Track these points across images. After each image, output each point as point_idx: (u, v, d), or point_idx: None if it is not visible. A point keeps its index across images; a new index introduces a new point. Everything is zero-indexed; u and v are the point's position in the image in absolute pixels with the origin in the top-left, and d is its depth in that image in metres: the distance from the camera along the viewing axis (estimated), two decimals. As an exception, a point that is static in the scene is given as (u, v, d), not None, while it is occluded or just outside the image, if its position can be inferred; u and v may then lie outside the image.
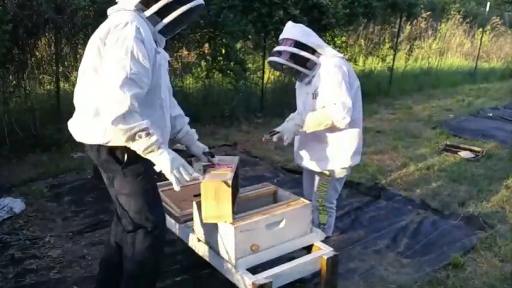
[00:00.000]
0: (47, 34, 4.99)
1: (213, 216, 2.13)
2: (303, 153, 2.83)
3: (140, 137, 1.75)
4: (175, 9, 1.89)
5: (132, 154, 1.86)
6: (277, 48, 2.63)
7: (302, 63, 2.58)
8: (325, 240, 2.47)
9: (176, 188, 1.89)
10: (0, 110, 4.57)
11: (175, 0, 1.88)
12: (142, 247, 2.01)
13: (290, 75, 2.92)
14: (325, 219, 2.84)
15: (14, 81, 4.83)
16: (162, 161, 1.83)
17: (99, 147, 1.90)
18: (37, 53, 5.06)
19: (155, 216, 2.03)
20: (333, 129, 2.60)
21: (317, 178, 2.81)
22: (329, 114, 2.50)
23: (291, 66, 2.59)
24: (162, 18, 1.90)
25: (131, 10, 1.86)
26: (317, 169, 2.77)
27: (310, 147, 2.78)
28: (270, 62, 2.73)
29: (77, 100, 1.95)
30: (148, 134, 1.76)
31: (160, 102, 1.97)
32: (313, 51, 2.59)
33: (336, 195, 2.89)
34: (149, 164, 1.87)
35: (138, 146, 1.78)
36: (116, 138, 1.78)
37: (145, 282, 2.11)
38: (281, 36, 2.65)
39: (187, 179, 1.90)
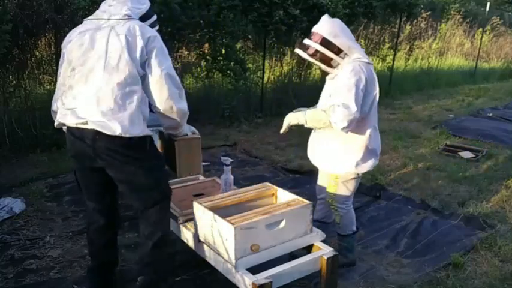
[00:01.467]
0: (47, 34, 4.99)
1: (187, 171, 2.49)
2: (314, 152, 2.79)
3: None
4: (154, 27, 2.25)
5: (151, 140, 2.16)
6: (305, 41, 2.57)
7: (326, 61, 2.53)
8: (325, 240, 2.47)
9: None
10: (0, 110, 4.57)
11: (153, 23, 2.27)
12: (162, 217, 2.24)
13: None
14: (337, 218, 2.78)
15: (14, 81, 4.83)
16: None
17: (132, 138, 2.03)
18: (37, 53, 5.06)
19: (168, 188, 2.30)
20: (343, 133, 2.50)
21: (328, 177, 2.77)
22: (329, 113, 2.43)
23: (313, 62, 2.58)
24: None
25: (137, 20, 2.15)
26: (324, 169, 2.75)
27: (320, 147, 2.73)
28: (296, 52, 2.69)
29: (107, 96, 1.99)
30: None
31: None
32: (339, 50, 2.50)
33: (347, 197, 2.75)
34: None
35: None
36: (181, 122, 2.30)
37: (169, 246, 2.32)
38: (313, 29, 2.57)
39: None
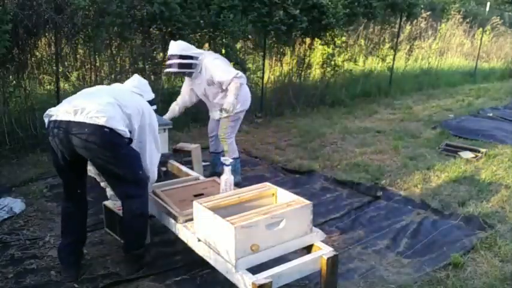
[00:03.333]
0: (47, 34, 4.99)
1: None
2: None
3: None
4: None
5: None
6: (168, 62, 3.79)
7: (189, 67, 3.77)
8: (325, 240, 2.47)
9: None
10: (0, 110, 4.57)
11: None
12: None
13: (181, 76, 4.26)
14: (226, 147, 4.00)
15: (14, 81, 4.83)
16: None
17: None
18: (37, 53, 5.06)
19: None
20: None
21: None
22: (237, 85, 3.68)
23: (182, 71, 3.82)
24: None
25: None
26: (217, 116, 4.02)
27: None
28: (166, 74, 4.00)
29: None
30: None
31: None
32: (194, 57, 3.76)
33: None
34: None
35: None
36: None
37: None
38: (168, 53, 3.78)
39: None
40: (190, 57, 3.75)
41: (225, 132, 3.96)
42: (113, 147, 2.39)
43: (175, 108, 4.17)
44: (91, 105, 2.37)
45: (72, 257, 2.65)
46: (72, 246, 2.66)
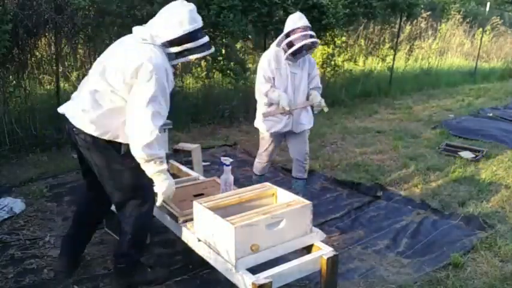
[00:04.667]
0: (47, 34, 4.99)
1: None
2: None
3: (155, 162, 2.21)
4: (192, 54, 2.38)
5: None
6: (311, 32, 3.26)
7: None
8: (325, 240, 2.47)
9: (158, 204, 2.38)
10: (0, 110, 4.57)
11: (195, 48, 2.36)
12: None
13: (300, 56, 3.34)
14: None
15: (14, 81, 4.83)
16: (162, 184, 2.29)
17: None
18: (37, 53, 5.06)
19: None
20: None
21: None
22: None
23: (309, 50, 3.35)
24: (178, 57, 2.37)
25: (159, 45, 2.28)
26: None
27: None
28: (312, 43, 3.23)
29: (89, 96, 2.26)
30: (161, 162, 2.23)
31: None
32: None
33: (260, 151, 3.60)
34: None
35: (150, 169, 2.22)
36: (138, 158, 2.19)
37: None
38: (305, 24, 3.30)
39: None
40: None
41: None
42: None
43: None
44: None
45: (68, 246, 2.63)
46: (72, 238, 2.64)
